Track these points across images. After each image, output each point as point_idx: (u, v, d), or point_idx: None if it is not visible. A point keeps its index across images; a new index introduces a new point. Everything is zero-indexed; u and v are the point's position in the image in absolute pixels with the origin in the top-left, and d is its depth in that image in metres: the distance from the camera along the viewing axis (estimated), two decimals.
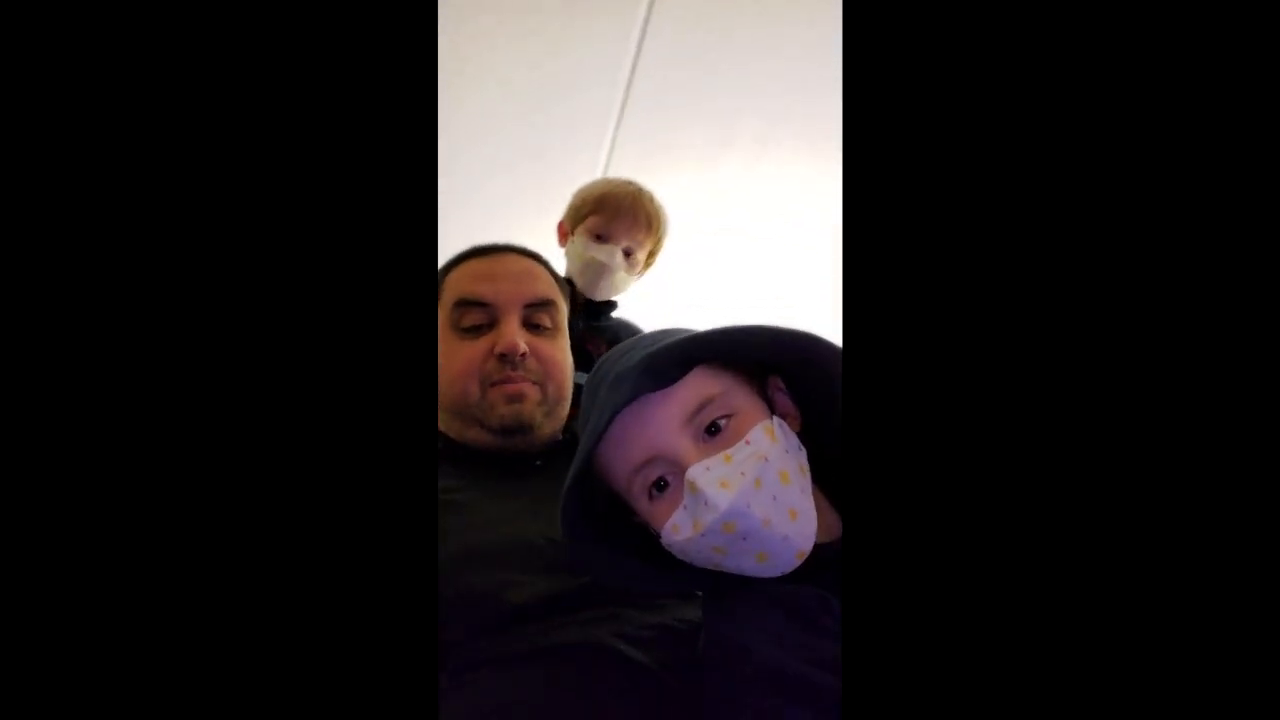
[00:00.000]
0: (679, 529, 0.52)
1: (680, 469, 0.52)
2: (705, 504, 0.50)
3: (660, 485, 0.53)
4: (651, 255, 1.21)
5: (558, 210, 1.22)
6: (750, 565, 0.51)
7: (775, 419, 0.55)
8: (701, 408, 0.54)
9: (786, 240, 2.05)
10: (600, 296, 1.19)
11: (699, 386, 0.55)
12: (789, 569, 0.51)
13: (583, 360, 0.98)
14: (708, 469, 0.51)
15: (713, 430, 0.53)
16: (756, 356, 0.58)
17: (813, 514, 0.52)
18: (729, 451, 0.52)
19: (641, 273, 1.22)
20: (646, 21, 1.35)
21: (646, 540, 0.56)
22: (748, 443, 0.52)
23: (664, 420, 0.53)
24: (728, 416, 0.54)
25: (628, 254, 1.16)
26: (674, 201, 1.26)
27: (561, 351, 0.81)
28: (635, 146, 1.64)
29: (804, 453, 0.55)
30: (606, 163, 1.68)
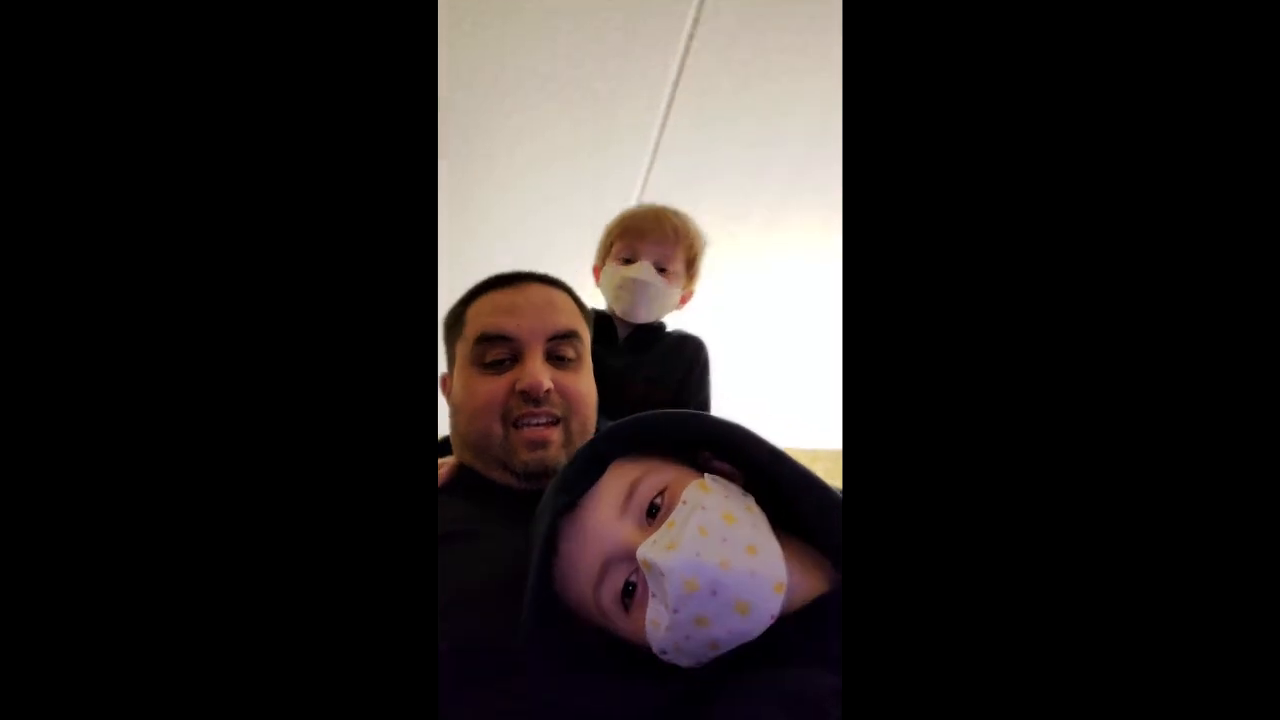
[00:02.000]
0: (658, 623, 0.47)
1: (634, 559, 0.48)
2: (662, 575, 0.46)
3: (629, 591, 0.49)
4: (690, 266, 1.13)
5: (582, 255, 1.19)
6: (739, 625, 0.47)
7: (707, 475, 0.53)
8: (631, 492, 0.51)
9: (797, 302, 2.18)
10: (646, 318, 1.12)
11: (619, 475, 0.53)
12: (776, 609, 0.47)
13: (615, 404, 0.93)
14: (654, 542, 0.47)
15: (653, 512, 0.51)
16: (670, 438, 0.56)
17: (774, 546, 0.49)
18: (671, 518, 0.49)
19: (687, 287, 1.15)
20: (671, 101, 1.49)
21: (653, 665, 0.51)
22: (684, 502, 0.50)
23: (599, 519, 0.51)
24: (661, 492, 0.51)
25: (661, 269, 1.09)
26: None
27: (585, 383, 0.79)
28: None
29: (750, 498, 0.53)
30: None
